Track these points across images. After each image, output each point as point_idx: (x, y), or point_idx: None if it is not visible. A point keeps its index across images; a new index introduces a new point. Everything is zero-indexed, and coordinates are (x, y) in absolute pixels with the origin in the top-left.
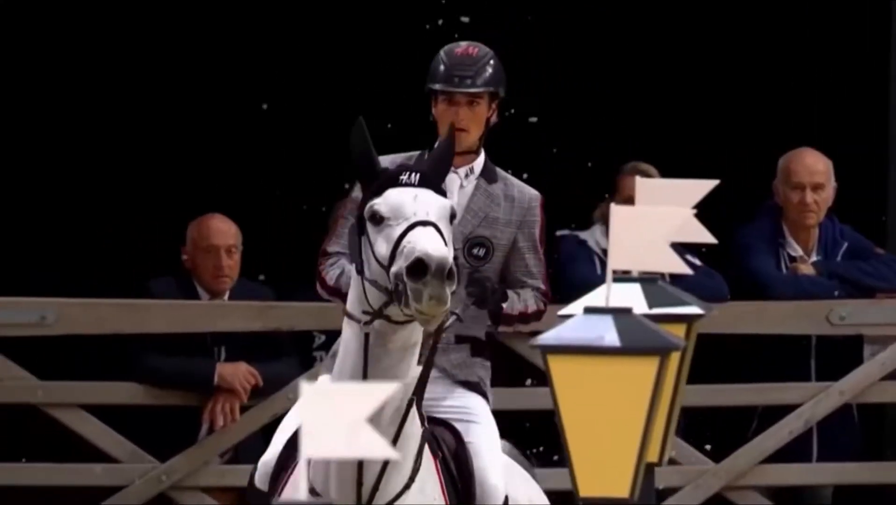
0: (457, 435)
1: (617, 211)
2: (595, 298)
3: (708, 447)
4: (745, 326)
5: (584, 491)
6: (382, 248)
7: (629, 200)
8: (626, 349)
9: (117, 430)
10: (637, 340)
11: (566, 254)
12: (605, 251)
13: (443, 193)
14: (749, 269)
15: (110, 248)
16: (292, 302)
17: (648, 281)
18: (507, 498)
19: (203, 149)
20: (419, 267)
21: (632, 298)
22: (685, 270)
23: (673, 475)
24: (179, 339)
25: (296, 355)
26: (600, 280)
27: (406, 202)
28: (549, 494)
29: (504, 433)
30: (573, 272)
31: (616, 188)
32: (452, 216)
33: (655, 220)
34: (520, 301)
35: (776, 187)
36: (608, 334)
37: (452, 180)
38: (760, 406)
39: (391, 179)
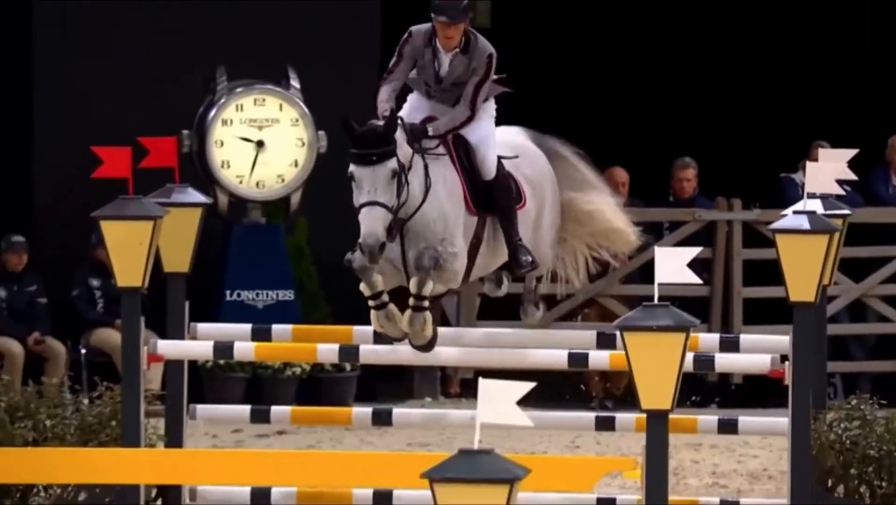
0: (465, 143)
1: (810, 164)
2: (798, 207)
3: None
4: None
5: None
6: (355, 201)
7: (815, 159)
8: (813, 230)
9: None
10: (818, 225)
11: (785, 183)
12: (804, 184)
13: (392, 153)
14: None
15: None
16: None
17: (823, 197)
18: (499, 169)
19: None
20: (361, 246)
21: (816, 207)
22: (841, 191)
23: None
24: None
25: None
26: (801, 198)
27: (365, 177)
28: None
29: None
30: (788, 195)
31: (809, 154)
32: (393, 175)
33: (828, 168)
34: (447, 120)
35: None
36: (803, 224)
37: (444, 57)
38: None
39: (357, 155)
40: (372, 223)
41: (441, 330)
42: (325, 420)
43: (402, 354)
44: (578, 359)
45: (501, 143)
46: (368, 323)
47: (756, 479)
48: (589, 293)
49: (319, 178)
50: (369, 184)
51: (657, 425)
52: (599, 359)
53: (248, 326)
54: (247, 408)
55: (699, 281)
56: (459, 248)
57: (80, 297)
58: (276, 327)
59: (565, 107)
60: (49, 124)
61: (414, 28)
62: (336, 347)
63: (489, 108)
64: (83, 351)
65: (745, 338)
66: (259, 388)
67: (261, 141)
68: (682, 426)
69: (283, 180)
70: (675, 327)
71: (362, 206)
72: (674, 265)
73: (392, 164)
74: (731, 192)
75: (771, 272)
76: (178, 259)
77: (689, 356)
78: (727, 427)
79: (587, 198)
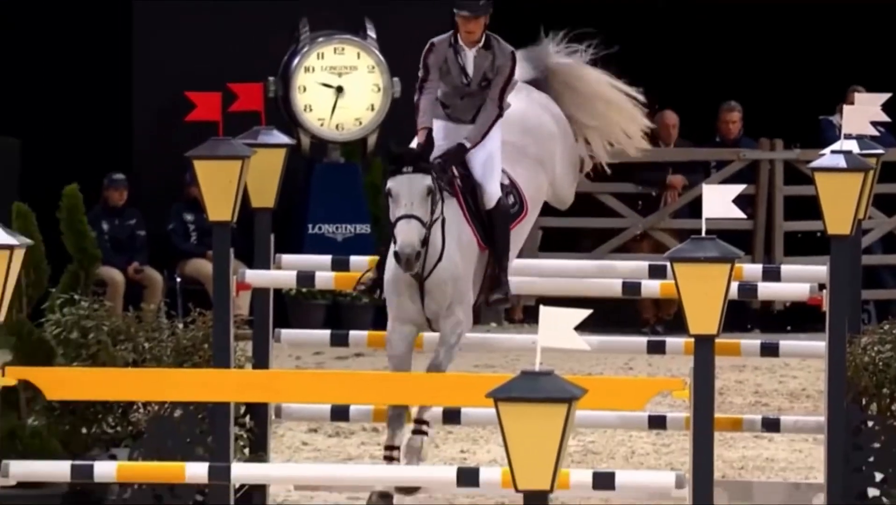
0: (466, 169)
1: (846, 107)
2: (835, 147)
3: None
4: None
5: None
6: (392, 215)
7: (851, 102)
8: (849, 169)
9: None
10: (854, 164)
11: (824, 125)
12: (840, 126)
13: (427, 171)
14: None
15: None
16: None
17: (859, 138)
18: (500, 200)
19: None
20: (397, 256)
21: (852, 147)
22: (875, 132)
23: None
24: None
25: None
26: (838, 139)
27: (402, 192)
28: None
29: None
30: (826, 136)
31: (846, 98)
32: (428, 192)
33: (863, 111)
34: (478, 126)
35: None
36: (840, 162)
37: (467, 53)
38: None
39: (395, 171)
40: (409, 234)
41: None
42: None
43: None
44: (632, 287)
45: (507, 124)
46: None
47: (795, 398)
48: (642, 227)
49: (393, 121)
50: (406, 198)
51: (704, 349)
52: (651, 288)
53: (328, 258)
54: (327, 332)
55: (743, 216)
56: (466, 311)
57: (176, 230)
58: (353, 259)
59: (618, 52)
60: (147, 72)
61: (435, 39)
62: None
63: (494, 138)
64: (178, 280)
65: (786, 268)
66: (338, 314)
67: (340, 87)
68: (727, 350)
69: (360, 123)
70: (721, 258)
71: (399, 219)
72: (720, 201)
73: (427, 181)
74: (773, 134)
75: (810, 207)
76: (265, 195)
77: (734, 285)
78: (769, 350)
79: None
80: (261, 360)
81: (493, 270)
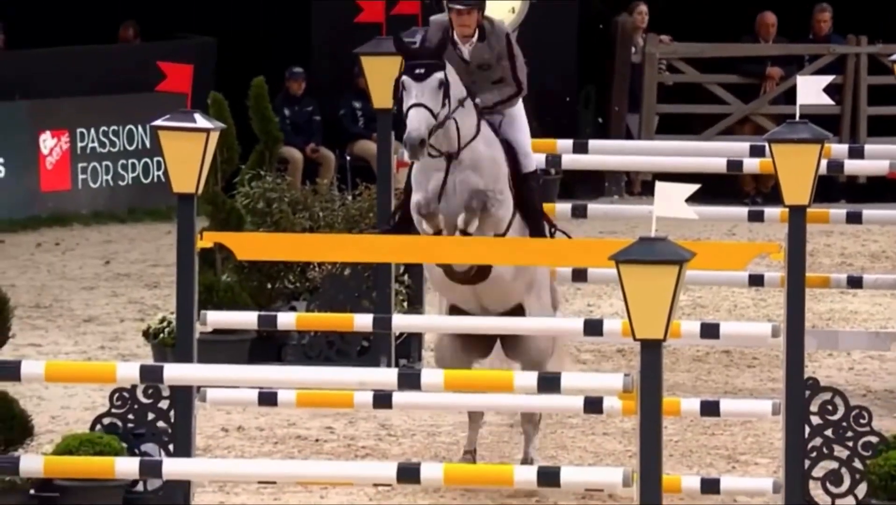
0: (506, 127)
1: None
2: None
3: None
4: None
5: None
6: (403, 106)
7: None
8: None
9: None
10: None
11: None
12: None
13: (439, 68)
14: None
15: None
16: None
17: None
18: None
19: None
20: (405, 141)
21: None
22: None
23: None
24: None
25: None
26: None
27: (414, 83)
28: None
29: None
30: None
31: None
32: (440, 84)
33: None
34: (494, 95)
35: None
36: None
37: (462, 48)
38: None
39: (409, 65)
40: (417, 121)
41: (628, 143)
42: None
43: (595, 161)
44: (735, 165)
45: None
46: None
47: (876, 259)
48: (744, 112)
49: (531, 22)
50: (417, 89)
51: (797, 217)
52: (752, 165)
53: None
54: None
55: (832, 102)
56: (506, 195)
57: (346, 115)
58: None
59: None
60: None
61: (432, 17)
62: (542, 156)
63: (521, 110)
64: (348, 158)
65: (869, 147)
66: None
67: None
68: (817, 217)
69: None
70: (813, 139)
71: (409, 108)
72: (812, 90)
73: (440, 75)
74: (859, 30)
75: (890, 95)
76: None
77: (824, 162)
78: (853, 218)
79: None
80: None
81: (538, 234)
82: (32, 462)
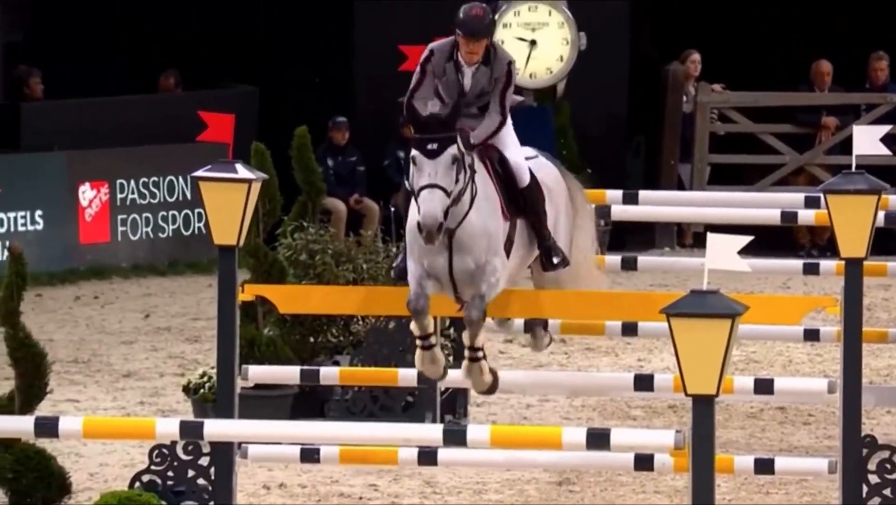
0: (500, 154)
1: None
2: None
3: None
4: None
5: None
6: (415, 184)
7: None
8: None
9: None
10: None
11: None
12: None
13: (452, 142)
14: None
15: None
16: None
17: None
18: (532, 174)
19: None
20: (419, 225)
21: None
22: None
23: None
24: None
25: None
26: None
27: (426, 160)
28: None
29: None
30: None
31: None
32: (453, 160)
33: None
34: (483, 129)
35: None
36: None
37: (466, 70)
38: None
39: (420, 139)
40: (431, 205)
41: (679, 194)
42: None
43: (645, 212)
44: (790, 216)
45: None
46: (619, 187)
47: None
48: (799, 162)
49: (580, 70)
50: (430, 167)
51: (854, 270)
52: (807, 216)
53: None
54: None
55: (889, 153)
56: (501, 267)
57: (391, 165)
58: None
59: (779, 5)
60: (367, 29)
61: (435, 45)
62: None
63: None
64: (392, 209)
65: None
66: None
67: (534, 40)
68: (874, 271)
69: (550, 72)
70: (869, 190)
71: (422, 188)
72: (869, 140)
73: (453, 150)
74: None
75: None
76: None
77: (881, 214)
78: None
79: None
80: None
81: (542, 239)
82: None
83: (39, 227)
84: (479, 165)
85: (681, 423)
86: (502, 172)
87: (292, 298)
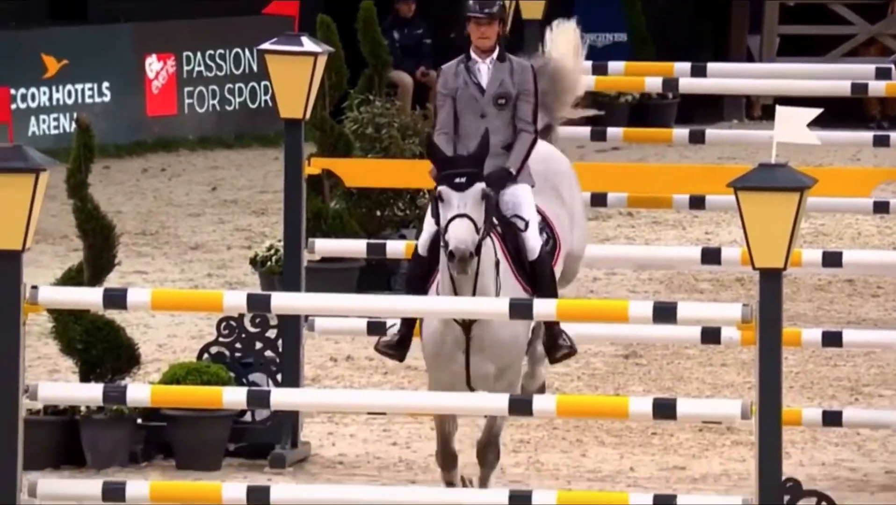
0: (512, 228)
1: None
2: None
3: None
4: None
5: None
6: (441, 220)
7: None
8: None
9: None
10: None
11: None
12: None
13: (480, 178)
14: None
15: None
16: None
17: None
18: (540, 251)
19: None
20: (451, 255)
21: None
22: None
23: None
24: None
25: None
26: None
27: (454, 195)
28: None
29: None
30: None
31: None
32: (483, 196)
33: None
34: (517, 154)
35: None
36: None
37: (481, 66)
38: None
39: (447, 178)
40: (462, 231)
41: (747, 66)
42: (651, 139)
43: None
44: (860, 88)
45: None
46: (687, 59)
47: None
48: (870, 33)
49: None
50: (459, 199)
51: None
52: (877, 87)
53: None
54: (587, 129)
55: None
56: (517, 385)
57: (459, 37)
58: (611, 64)
59: None
60: None
61: (444, 66)
62: (660, 79)
63: (526, 173)
64: None
65: None
66: (599, 110)
67: None
68: None
69: None
70: None
71: (451, 219)
72: None
73: (482, 185)
74: None
75: None
76: (534, 8)
77: None
78: None
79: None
80: None
81: (549, 325)
82: (139, 391)
83: (107, 98)
84: (499, 252)
85: (748, 296)
86: (513, 249)
87: (358, 172)
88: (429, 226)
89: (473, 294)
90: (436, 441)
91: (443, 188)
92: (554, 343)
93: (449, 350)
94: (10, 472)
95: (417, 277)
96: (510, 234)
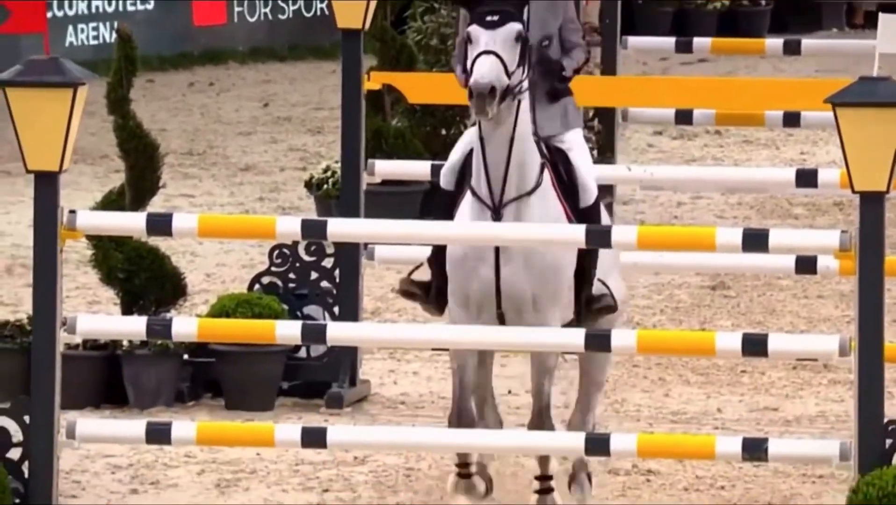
0: (565, 158)
1: None
2: None
3: None
4: None
5: None
6: (468, 59)
7: None
8: None
9: None
10: None
11: None
12: None
13: (517, 19)
14: None
15: None
16: None
17: None
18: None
19: None
20: (470, 91)
21: None
22: None
23: None
24: None
25: None
26: None
27: (484, 33)
28: None
29: None
30: None
31: None
32: (518, 37)
33: None
34: (572, 61)
35: None
36: None
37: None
38: None
39: (478, 16)
40: (486, 66)
41: None
42: (741, 50)
43: None
44: None
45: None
46: None
47: None
48: None
49: None
50: (487, 37)
51: None
52: None
53: None
54: (672, 39)
55: None
56: (556, 322)
57: None
58: None
59: None
60: None
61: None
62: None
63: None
64: None
65: None
66: (684, 19)
67: None
68: None
69: None
70: None
71: (477, 56)
72: None
73: (518, 27)
74: None
75: None
76: None
77: None
78: None
79: None
80: (609, 67)
81: (588, 283)
82: (185, 325)
83: (150, 6)
84: (546, 179)
85: (847, 222)
86: (568, 184)
87: (422, 87)
88: (455, 154)
89: (507, 165)
90: (451, 394)
91: (472, 27)
92: (593, 296)
93: (478, 248)
94: (48, 411)
95: (440, 214)
96: (561, 160)
